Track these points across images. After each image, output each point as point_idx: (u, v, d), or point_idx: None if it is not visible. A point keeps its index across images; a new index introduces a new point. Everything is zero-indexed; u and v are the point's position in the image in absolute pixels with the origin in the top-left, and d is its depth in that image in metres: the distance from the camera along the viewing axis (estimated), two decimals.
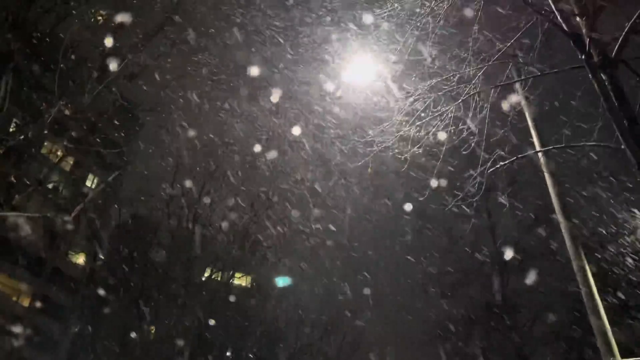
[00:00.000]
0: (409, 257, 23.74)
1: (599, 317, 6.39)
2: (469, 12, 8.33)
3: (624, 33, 6.15)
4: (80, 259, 43.00)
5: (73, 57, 15.52)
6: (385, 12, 8.92)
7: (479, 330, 21.72)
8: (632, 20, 6.07)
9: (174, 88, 17.84)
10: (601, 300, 6.59)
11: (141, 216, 31.48)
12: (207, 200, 25.93)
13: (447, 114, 8.47)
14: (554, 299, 19.50)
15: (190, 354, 23.16)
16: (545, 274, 19.07)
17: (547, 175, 7.66)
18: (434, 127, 8.56)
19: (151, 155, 29.01)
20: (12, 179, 13.67)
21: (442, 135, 8.52)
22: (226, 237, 26.73)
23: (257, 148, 22.57)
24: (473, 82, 8.28)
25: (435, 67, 8.79)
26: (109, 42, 14.52)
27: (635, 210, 13.62)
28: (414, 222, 23.34)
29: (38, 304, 38.90)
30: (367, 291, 28.26)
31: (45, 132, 16.33)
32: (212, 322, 24.18)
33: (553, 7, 6.73)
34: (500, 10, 8.28)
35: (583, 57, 6.44)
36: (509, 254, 20.48)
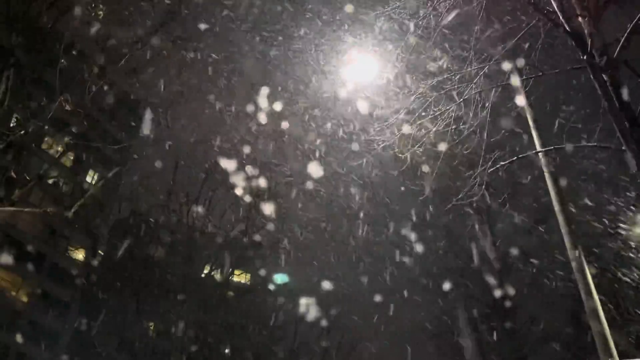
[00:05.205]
0: (408, 256, 23.74)
1: (598, 319, 6.36)
2: (470, 12, 8.31)
3: (626, 34, 6.13)
4: (80, 255, 43.04)
5: (74, 52, 15.53)
6: (386, 11, 8.90)
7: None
8: (635, 21, 6.05)
9: (174, 84, 17.86)
10: (600, 301, 6.57)
11: (141, 212, 31.50)
12: (206, 197, 25.97)
13: (448, 114, 8.46)
14: (553, 300, 19.49)
15: (188, 351, 23.20)
16: (544, 275, 19.06)
17: (547, 176, 7.63)
18: (434, 126, 8.55)
19: (151, 151, 29.01)
20: (13, 173, 13.69)
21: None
22: (225, 234, 26.76)
23: (257, 146, 22.57)
24: (474, 81, 8.26)
25: (437, 66, 8.78)
26: (110, 38, 14.54)
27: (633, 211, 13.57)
28: (413, 221, 23.33)
29: (37, 299, 38.95)
30: (366, 289, 28.28)
31: (46, 127, 16.34)
32: (210, 319, 24.22)
33: (555, 7, 6.70)
34: (502, 9, 8.25)
35: (585, 57, 6.41)
36: (507, 254, 20.47)
